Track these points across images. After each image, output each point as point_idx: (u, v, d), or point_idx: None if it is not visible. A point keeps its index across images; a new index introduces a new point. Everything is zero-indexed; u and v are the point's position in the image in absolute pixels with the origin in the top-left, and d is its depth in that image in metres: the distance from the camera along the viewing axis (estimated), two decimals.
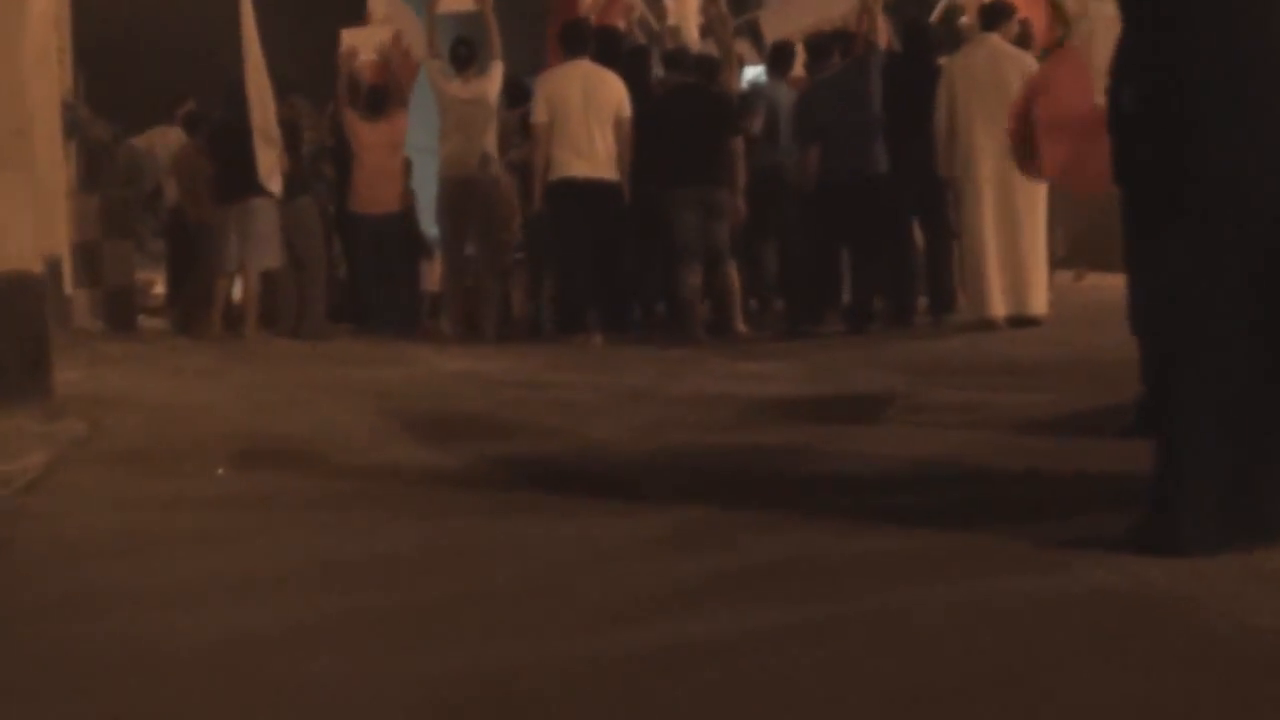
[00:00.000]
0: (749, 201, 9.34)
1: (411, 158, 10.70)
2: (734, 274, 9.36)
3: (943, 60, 9.29)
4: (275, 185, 9.73)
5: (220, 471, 4.79)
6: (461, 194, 9.83)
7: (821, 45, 9.77)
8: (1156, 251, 3.38)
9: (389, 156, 10.35)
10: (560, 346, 8.99)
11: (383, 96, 10.38)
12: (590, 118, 9.09)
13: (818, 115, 9.27)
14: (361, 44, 10.76)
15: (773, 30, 11.25)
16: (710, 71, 9.70)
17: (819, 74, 9.59)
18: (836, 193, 9.14)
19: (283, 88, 10.10)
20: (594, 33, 9.69)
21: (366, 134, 10.25)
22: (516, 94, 10.26)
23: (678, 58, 9.96)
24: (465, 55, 9.99)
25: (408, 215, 10.67)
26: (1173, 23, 3.30)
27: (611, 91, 9.16)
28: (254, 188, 9.73)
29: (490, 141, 9.91)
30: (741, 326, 9.38)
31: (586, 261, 9.15)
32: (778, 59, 10.42)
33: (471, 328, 9.91)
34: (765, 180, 9.65)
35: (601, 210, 9.12)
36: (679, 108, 9.30)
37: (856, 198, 9.10)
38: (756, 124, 9.84)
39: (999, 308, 8.80)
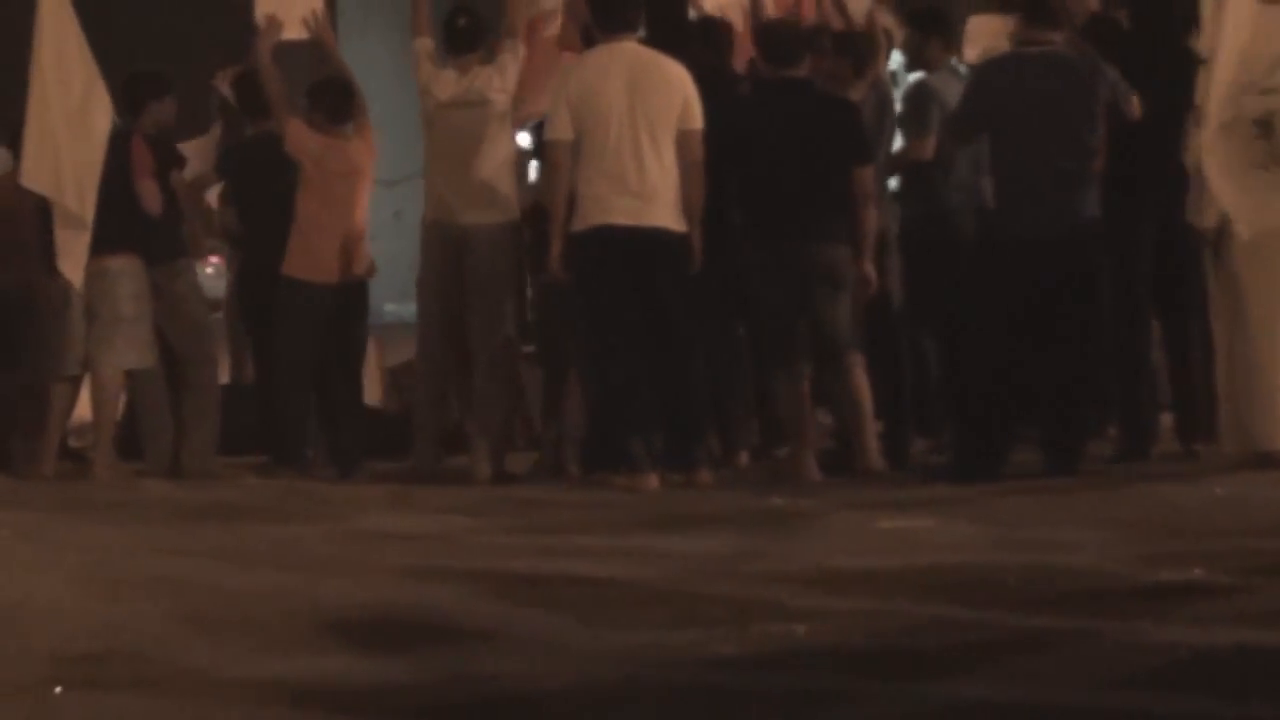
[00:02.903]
0: (906, 263, 9.26)
1: None
2: (862, 378, 9.26)
3: (1202, 41, 9.16)
4: (73, 274, 9.74)
5: (57, 690, 4.83)
6: (454, 252, 9.75)
7: (1046, 6, 9.33)
8: None
9: (355, 191, 10.20)
10: (592, 491, 8.98)
11: (347, 95, 10.24)
12: (640, 132, 9.05)
13: (995, 114, 9.09)
14: (284, 12, 10.74)
15: None
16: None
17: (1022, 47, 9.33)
18: (1029, 252, 9.02)
19: (135, 98, 10.13)
20: None
21: (325, 154, 10.05)
22: None
23: (779, 34, 9.85)
24: (468, 31, 9.93)
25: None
26: None
27: (674, 91, 9.13)
28: (111, 242, 9.73)
29: (501, 168, 9.83)
30: (876, 460, 9.27)
31: (633, 358, 9.07)
32: (934, 35, 10.24)
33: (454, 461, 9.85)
34: (928, 230, 9.59)
35: (657, 277, 9.05)
36: (778, 117, 9.25)
37: (1059, 261, 8.98)
38: (927, 147, 9.77)
39: None
